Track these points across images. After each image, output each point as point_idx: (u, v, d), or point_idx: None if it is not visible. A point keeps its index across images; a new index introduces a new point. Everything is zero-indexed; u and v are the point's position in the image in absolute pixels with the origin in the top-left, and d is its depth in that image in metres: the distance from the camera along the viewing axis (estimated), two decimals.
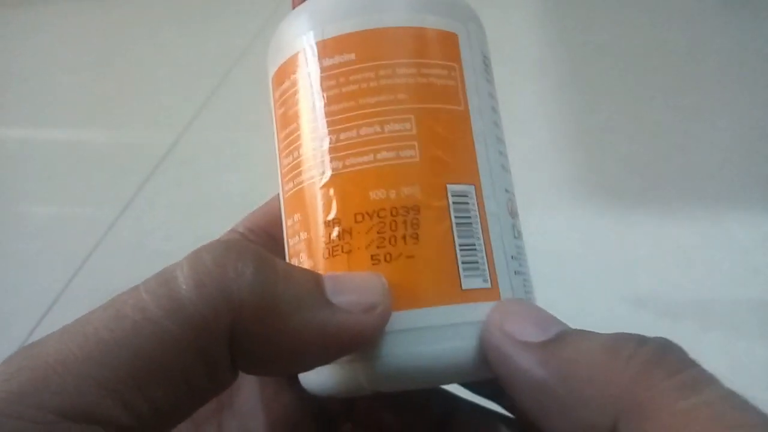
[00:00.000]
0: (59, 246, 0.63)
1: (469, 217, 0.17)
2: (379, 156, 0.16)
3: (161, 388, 0.13)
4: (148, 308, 0.13)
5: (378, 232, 0.16)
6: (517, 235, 0.18)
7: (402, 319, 0.16)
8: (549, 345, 0.14)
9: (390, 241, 0.16)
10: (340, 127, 0.17)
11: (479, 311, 0.16)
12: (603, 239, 0.54)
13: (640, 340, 0.14)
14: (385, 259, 0.16)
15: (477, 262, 0.16)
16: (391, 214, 0.16)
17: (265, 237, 0.21)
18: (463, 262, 0.16)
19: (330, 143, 0.17)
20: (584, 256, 0.53)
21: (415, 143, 0.17)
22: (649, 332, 0.19)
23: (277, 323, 0.14)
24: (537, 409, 0.14)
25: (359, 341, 0.15)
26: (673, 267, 0.52)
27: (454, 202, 0.17)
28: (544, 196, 0.58)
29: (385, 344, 0.16)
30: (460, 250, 0.16)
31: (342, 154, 0.17)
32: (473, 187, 0.17)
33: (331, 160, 0.17)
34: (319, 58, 0.18)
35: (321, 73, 0.17)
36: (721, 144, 0.61)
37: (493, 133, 0.18)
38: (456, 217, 0.16)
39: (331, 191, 0.17)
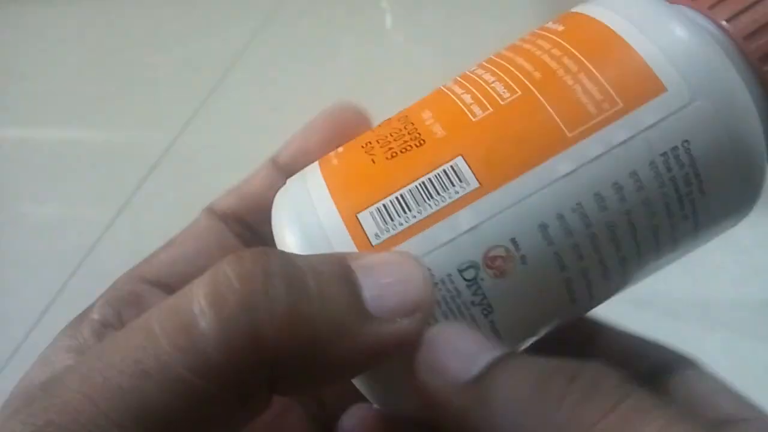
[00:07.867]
0: (57, 246, 0.62)
1: None
2: None
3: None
4: (171, 366, 0.12)
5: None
6: None
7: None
8: (477, 384, 0.13)
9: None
10: None
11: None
12: None
13: (572, 374, 0.12)
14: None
15: None
16: None
17: (239, 228, 0.19)
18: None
19: None
20: None
21: None
22: (652, 333, 0.18)
23: (317, 356, 0.13)
24: None
25: (398, 351, 0.14)
26: (675, 267, 0.51)
27: None
28: None
29: None
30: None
31: None
32: None
33: None
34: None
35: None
36: None
37: None
38: None
39: None
